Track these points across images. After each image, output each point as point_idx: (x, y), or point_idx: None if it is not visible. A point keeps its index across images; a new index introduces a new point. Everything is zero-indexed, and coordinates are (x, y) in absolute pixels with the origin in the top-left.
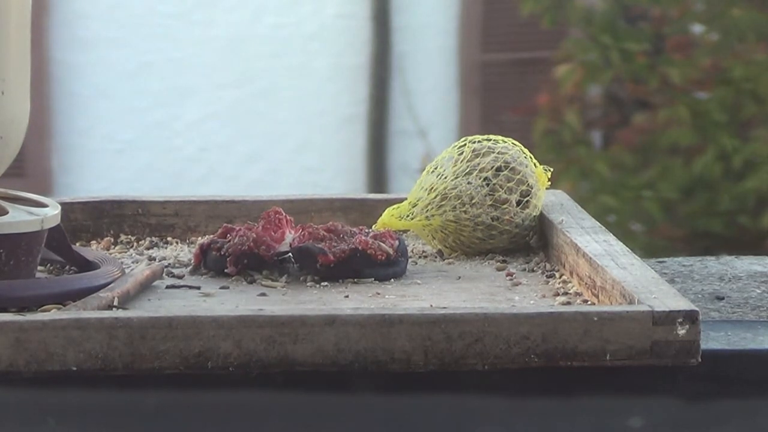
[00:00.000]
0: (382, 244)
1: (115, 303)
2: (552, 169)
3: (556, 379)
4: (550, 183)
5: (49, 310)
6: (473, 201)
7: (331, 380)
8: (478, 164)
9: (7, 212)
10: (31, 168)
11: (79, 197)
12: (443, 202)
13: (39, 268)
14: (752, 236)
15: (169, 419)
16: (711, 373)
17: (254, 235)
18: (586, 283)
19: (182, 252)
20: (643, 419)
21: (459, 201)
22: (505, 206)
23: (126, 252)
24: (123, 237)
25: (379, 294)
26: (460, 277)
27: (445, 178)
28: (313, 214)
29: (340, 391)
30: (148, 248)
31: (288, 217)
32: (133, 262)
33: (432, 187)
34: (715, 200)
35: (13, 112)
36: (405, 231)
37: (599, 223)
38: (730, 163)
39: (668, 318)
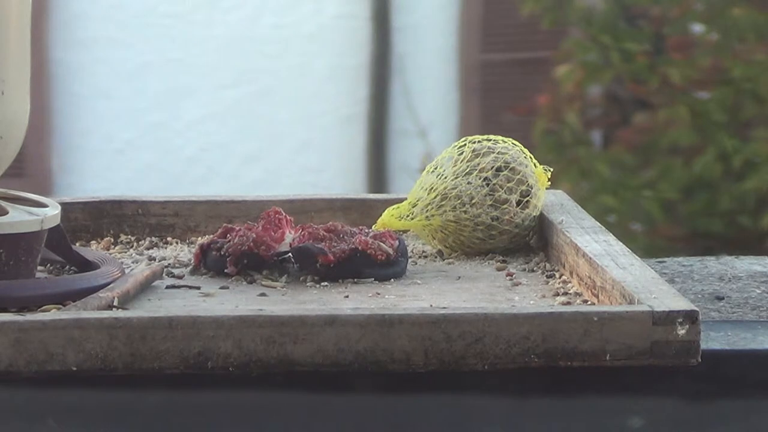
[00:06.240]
0: (382, 244)
1: (115, 303)
2: (552, 169)
3: (556, 379)
4: (550, 183)
5: (49, 310)
6: (473, 201)
7: (331, 380)
8: (478, 164)
9: (7, 212)
10: (31, 168)
11: (79, 197)
12: (443, 202)
13: (39, 268)
14: (752, 236)
15: (169, 419)
16: (711, 373)
17: (254, 235)
18: (586, 283)
19: (182, 252)
20: (643, 419)
21: (459, 201)
22: (505, 206)
23: (126, 252)
24: (123, 237)
25: (379, 294)
26: (460, 277)
27: (445, 178)
28: (313, 214)
29: (340, 391)
30: (148, 248)
31: (288, 217)
32: (133, 262)
33: (432, 187)
34: (715, 200)
35: (13, 112)
36: (405, 231)
37: (599, 223)
38: (730, 163)
39: (668, 318)
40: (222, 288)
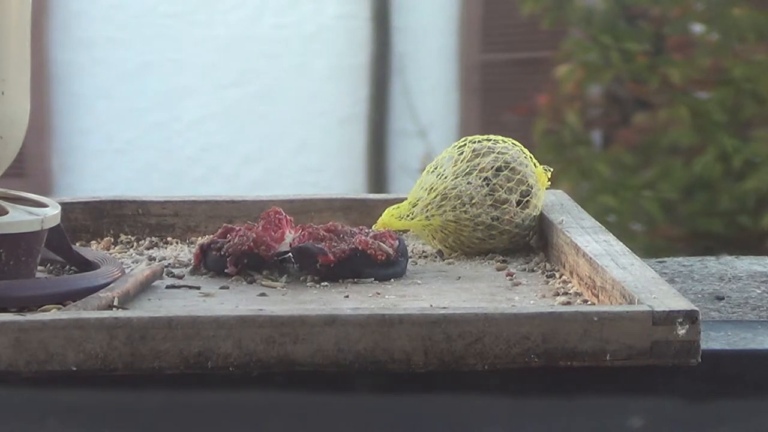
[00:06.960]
0: (382, 244)
1: (115, 303)
2: (552, 169)
3: (556, 379)
4: (550, 183)
5: (49, 310)
6: (473, 201)
7: (331, 380)
8: (478, 164)
9: (7, 212)
10: (31, 168)
11: (79, 197)
12: (443, 202)
13: (39, 268)
14: (752, 236)
15: (169, 419)
16: (711, 373)
17: (254, 235)
18: (586, 283)
19: (182, 252)
20: (643, 419)
21: (459, 201)
22: (505, 206)
23: (126, 252)
24: (123, 237)
25: (379, 294)
26: (460, 277)
27: (445, 178)
28: (313, 214)
29: (340, 391)
30: (148, 248)
31: (288, 217)
32: (133, 262)
33: (432, 187)
34: (715, 200)
35: (13, 112)
36: (405, 231)
37: (599, 223)
38: (730, 163)
39: (668, 318)
40: (222, 288)
